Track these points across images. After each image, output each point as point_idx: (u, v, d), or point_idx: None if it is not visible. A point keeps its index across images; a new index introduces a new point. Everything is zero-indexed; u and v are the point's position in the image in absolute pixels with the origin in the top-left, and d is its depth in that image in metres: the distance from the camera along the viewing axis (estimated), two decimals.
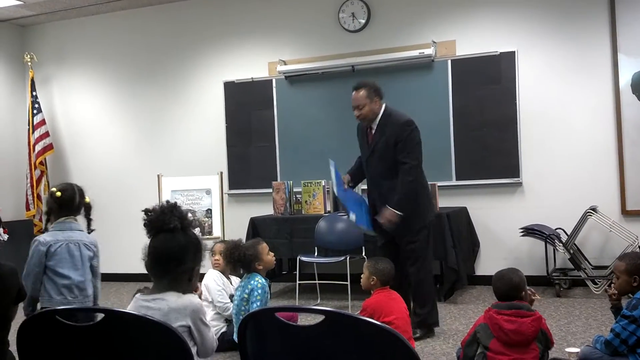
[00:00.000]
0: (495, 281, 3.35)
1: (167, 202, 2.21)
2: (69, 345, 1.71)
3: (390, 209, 4.40)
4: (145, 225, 2.17)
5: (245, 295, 4.10)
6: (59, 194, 3.64)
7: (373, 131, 4.57)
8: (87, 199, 3.71)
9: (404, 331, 3.59)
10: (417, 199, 4.55)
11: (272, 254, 4.30)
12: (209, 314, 4.50)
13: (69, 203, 3.67)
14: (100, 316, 1.67)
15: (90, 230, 3.70)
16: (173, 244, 2.10)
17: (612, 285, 3.42)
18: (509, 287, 3.28)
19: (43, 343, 1.72)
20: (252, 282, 4.12)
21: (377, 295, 3.88)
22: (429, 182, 6.00)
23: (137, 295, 2.20)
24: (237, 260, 4.20)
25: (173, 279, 2.10)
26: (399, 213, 4.38)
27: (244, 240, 4.55)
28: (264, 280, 4.15)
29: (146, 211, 2.19)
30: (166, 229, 2.11)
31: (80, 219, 3.74)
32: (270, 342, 1.68)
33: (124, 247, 6.54)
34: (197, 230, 6.51)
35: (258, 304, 4.04)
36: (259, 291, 4.07)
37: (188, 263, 2.10)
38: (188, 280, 2.13)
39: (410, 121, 4.52)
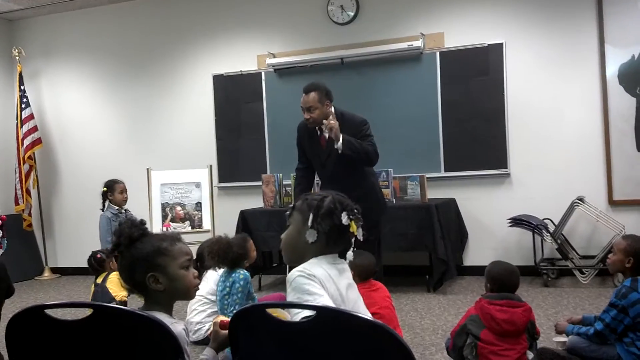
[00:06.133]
0: (503, 276, 3.29)
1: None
2: (58, 340, 1.71)
3: (341, 135, 4.30)
4: None
5: (227, 289, 4.10)
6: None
7: (326, 134, 4.39)
8: None
9: (389, 320, 3.59)
10: (376, 192, 4.61)
11: (255, 248, 4.39)
12: (206, 312, 4.48)
13: None
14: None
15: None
16: (121, 269, 2.03)
17: (608, 258, 3.48)
18: (513, 285, 3.30)
19: (32, 339, 1.73)
20: (233, 274, 4.12)
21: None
22: (418, 174, 6.12)
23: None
24: (229, 259, 4.16)
25: (147, 295, 2.01)
26: (341, 142, 4.28)
27: (231, 234, 4.47)
28: (245, 272, 4.15)
29: None
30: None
31: None
32: (262, 338, 1.68)
33: None
34: (177, 226, 6.50)
35: (239, 295, 4.04)
36: (241, 283, 4.07)
37: (137, 277, 1.97)
38: (154, 283, 1.97)
39: (365, 120, 4.50)
